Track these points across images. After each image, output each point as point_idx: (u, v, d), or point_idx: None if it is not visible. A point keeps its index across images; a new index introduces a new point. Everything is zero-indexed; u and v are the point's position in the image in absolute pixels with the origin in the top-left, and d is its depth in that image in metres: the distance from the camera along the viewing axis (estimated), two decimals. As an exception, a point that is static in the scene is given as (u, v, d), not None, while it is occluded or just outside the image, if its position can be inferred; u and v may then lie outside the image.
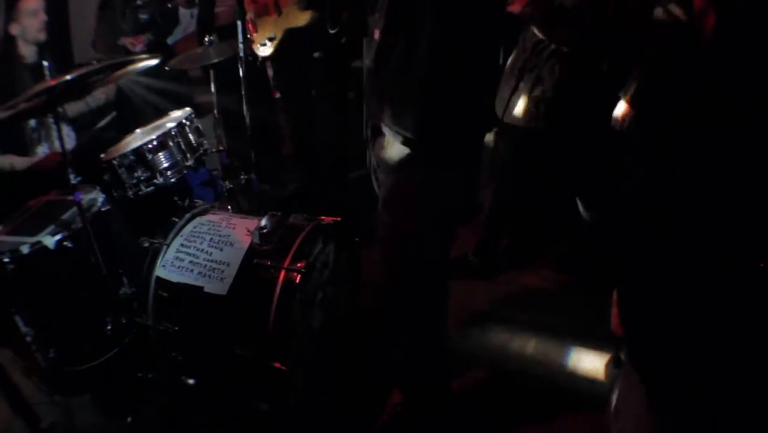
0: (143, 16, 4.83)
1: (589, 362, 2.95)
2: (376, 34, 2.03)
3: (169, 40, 5.19)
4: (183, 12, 5.21)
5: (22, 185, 3.39)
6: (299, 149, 4.58)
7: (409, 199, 2.09)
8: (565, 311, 3.23)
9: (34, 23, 3.64)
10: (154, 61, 2.75)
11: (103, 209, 2.68)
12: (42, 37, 3.72)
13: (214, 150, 3.20)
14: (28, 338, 2.64)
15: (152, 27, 4.86)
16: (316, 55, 3.96)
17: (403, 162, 2.05)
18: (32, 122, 3.49)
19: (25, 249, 2.46)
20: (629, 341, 2.67)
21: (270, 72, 4.48)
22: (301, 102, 4.28)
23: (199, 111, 3.49)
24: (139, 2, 4.79)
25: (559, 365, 2.96)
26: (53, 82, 2.30)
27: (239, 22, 3.18)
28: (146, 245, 2.71)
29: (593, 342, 3.03)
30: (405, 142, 1.99)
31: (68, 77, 2.32)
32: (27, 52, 3.70)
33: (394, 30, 1.94)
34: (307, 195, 4.38)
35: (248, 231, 2.59)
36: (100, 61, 3.22)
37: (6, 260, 2.45)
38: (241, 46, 3.18)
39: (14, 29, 3.64)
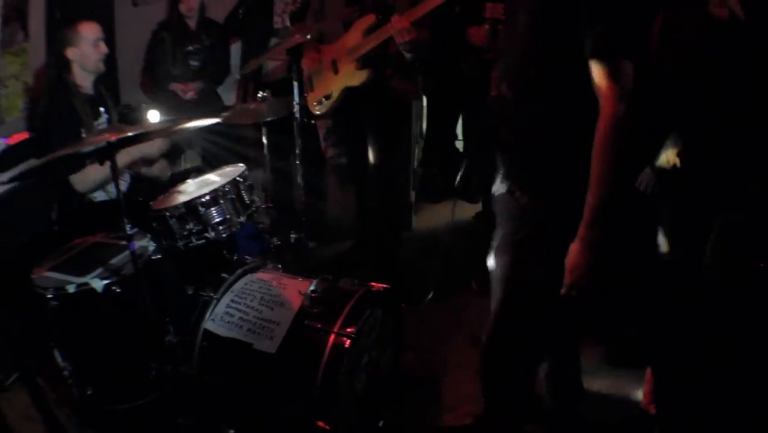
0: (194, 63, 4.97)
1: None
2: (503, 88, 2.18)
3: (219, 90, 5.26)
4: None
5: (74, 217, 3.47)
6: (349, 207, 4.67)
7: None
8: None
9: (94, 53, 3.63)
10: (215, 121, 2.86)
11: (153, 257, 2.78)
12: (102, 68, 3.70)
13: (263, 206, 3.30)
14: (66, 372, 2.72)
15: (203, 75, 4.97)
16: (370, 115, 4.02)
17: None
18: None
19: (71, 288, 2.55)
20: (663, 422, 2.71)
21: (323, 131, 4.60)
22: (353, 160, 4.37)
23: (247, 161, 3.59)
24: (190, 48, 4.94)
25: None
26: (113, 137, 2.36)
27: (295, 83, 3.31)
28: (193, 294, 2.81)
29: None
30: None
31: (131, 134, 2.41)
32: (84, 81, 3.66)
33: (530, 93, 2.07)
34: (356, 254, 4.48)
35: (299, 292, 2.68)
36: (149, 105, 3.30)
37: (50, 296, 2.55)
38: (297, 107, 3.29)
39: (72, 54, 3.59)
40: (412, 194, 4.93)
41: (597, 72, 1.87)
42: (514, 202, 2.19)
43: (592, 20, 1.85)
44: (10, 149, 4.21)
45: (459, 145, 5.95)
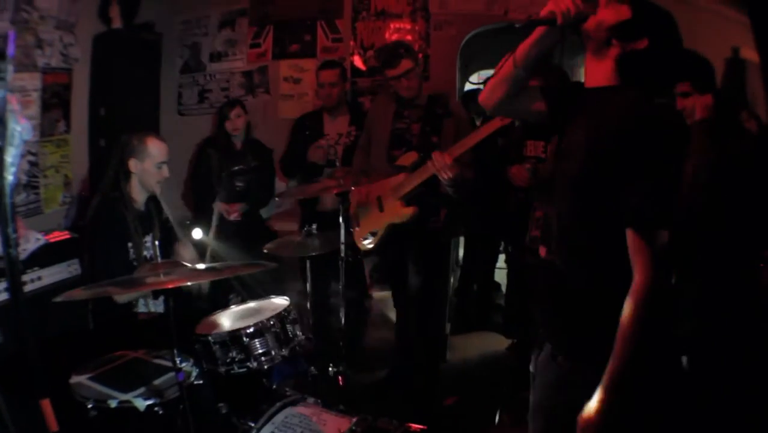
0: (239, 184, 5.05)
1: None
2: (546, 251, 2.28)
3: (263, 212, 5.37)
4: (279, 183, 5.43)
5: (115, 326, 3.50)
6: (388, 337, 4.82)
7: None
8: None
9: (156, 175, 3.60)
10: (263, 267, 2.88)
11: (195, 382, 2.88)
12: (158, 191, 3.67)
13: (304, 337, 3.37)
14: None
15: (248, 196, 5.06)
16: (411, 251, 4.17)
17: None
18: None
19: (113, 403, 2.62)
20: None
21: (368, 267, 4.73)
22: (397, 294, 4.50)
23: (287, 291, 3.70)
24: (236, 168, 4.98)
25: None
26: (171, 285, 2.43)
27: (342, 224, 3.42)
28: (226, 414, 2.94)
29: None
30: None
31: (189, 283, 2.58)
32: (138, 196, 3.63)
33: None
34: (392, 384, 4.53)
35: (339, 431, 2.79)
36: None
37: (90, 405, 2.62)
38: (342, 246, 3.41)
39: (134, 167, 3.56)
40: (448, 325, 5.03)
41: (632, 240, 1.93)
42: (557, 368, 2.21)
43: (629, 188, 1.92)
44: (49, 246, 4.33)
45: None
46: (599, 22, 2.04)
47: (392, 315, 4.95)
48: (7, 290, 3.70)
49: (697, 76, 3.15)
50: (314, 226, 3.67)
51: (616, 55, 2.05)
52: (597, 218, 2.06)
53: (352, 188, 3.87)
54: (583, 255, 2.13)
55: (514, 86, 2.26)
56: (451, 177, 3.63)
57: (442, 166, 3.62)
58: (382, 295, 4.84)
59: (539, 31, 2.15)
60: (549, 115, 2.34)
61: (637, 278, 1.91)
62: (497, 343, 5.48)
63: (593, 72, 2.15)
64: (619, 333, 1.92)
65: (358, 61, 5.63)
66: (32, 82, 4.96)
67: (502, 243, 5.81)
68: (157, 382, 2.82)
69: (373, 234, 4.10)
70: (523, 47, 2.20)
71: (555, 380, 2.24)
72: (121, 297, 3.40)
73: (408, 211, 3.95)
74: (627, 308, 1.92)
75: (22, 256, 3.78)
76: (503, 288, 6.47)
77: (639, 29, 2.02)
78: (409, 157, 4.03)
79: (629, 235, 1.94)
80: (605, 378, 1.95)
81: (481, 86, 2.49)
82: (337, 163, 4.60)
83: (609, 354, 1.95)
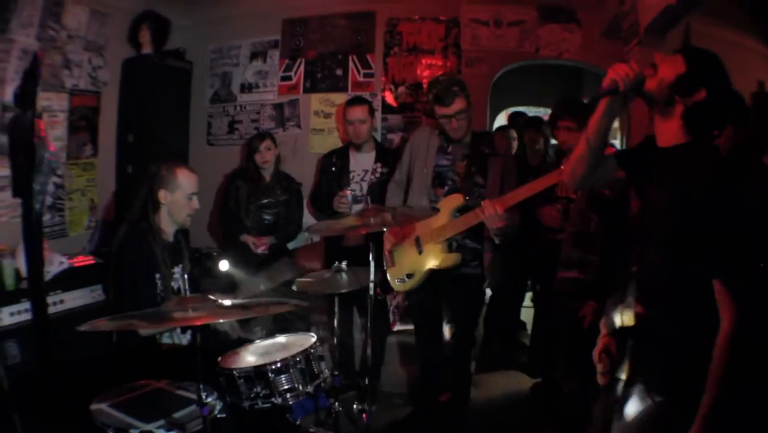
0: (267, 217, 5.07)
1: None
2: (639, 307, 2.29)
3: (290, 245, 5.35)
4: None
5: (138, 355, 3.44)
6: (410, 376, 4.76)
7: None
8: None
9: (186, 207, 3.59)
10: (292, 305, 2.83)
11: (218, 416, 2.85)
12: (187, 224, 3.70)
13: (329, 373, 3.33)
14: None
15: (275, 230, 5.06)
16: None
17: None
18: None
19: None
20: None
21: (392, 304, 4.69)
22: (423, 336, 4.40)
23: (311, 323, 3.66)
24: (264, 201, 5.05)
25: None
26: (199, 322, 2.41)
27: (372, 262, 3.32)
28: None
29: None
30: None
31: (219, 322, 2.51)
32: (167, 228, 3.60)
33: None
34: (418, 424, 4.48)
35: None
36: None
37: (110, 432, 2.59)
38: (371, 285, 3.32)
39: (164, 198, 3.52)
40: (473, 364, 4.99)
41: (719, 290, 2.02)
42: (661, 414, 2.21)
43: (717, 240, 2.02)
44: (73, 270, 4.34)
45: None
46: (660, 80, 2.17)
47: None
48: (29, 310, 3.78)
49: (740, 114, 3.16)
50: (344, 262, 3.61)
51: (681, 112, 2.16)
52: (686, 271, 2.13)
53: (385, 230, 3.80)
54: (672, 305, 2.19)
55: (593, 160, 2.38)
56: (502, 227, 3.58)
57: (492, 216, 3.55)
58: (403, 332, 4.79)
59: (604, 103, 2.28)
60: (629, 180, 2.46)
61: (725, 324, 2.01)
62: (522, 382, 5.45)
63: (663, 132, 2.26)
64: (710, 378, 2.00)
65: (389, 97, 5.64)
66: (59, 102, 5.05)
67: (529, 282, 5.75)
68: (179, 414, 2.77)
69: (410, 276, 3.99)
70: (593, 123, 2.32)
71: (647, 419, 2.25)
72: (146, 331, 3.36)
73: (451, 258, 3.87)
74: (716, 353, 2.00)
75: (45, 278, 3.82)
76: (528, 327, 6.44)
77: (696, 80, 2.13)
78: (452, 200, 3.92)
79: (716, 285, 2.03)
80: (698, 418, 2.02)
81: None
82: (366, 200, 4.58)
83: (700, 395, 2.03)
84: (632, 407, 2.31)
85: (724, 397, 1.98)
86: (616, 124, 5.36)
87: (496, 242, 3.78)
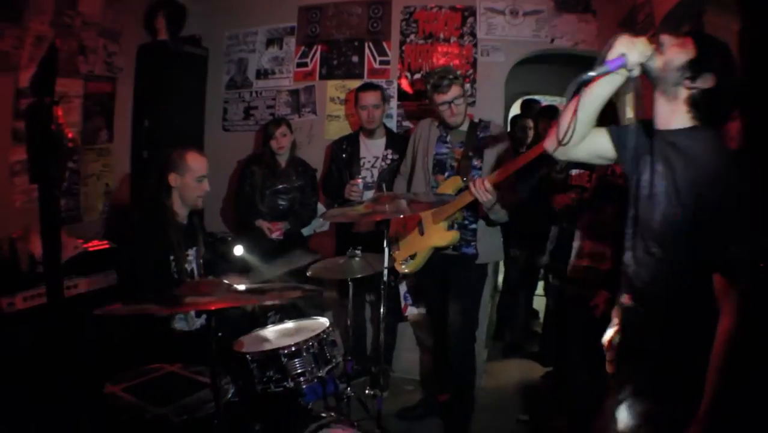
0: (282, 203, 5.09)
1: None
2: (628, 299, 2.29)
3: (305, 231, 5.35)
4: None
5: (153, 340, 3.44)
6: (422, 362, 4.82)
7: None
8: None
9: (196, 189, 3.63)
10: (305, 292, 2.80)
11: (231, 399, 2.90)
12: (199, 205, 3.73)
13: (341, 358, 3.36)
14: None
15: (290, 215, 5.08)
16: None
17: None
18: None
19: (147, 416, 2.63)
20: None
21: (403, 289, 4.72)
22: (435, 318, 4.48)
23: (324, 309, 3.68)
24: (279, 186, 5.07)
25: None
26: (213, 307, 2.34)
27: (386, 248, 3.34)
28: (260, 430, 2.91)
29: None
30: None
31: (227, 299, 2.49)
32: (180, 210, 3.66)
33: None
34: (430, 409, 4.52)
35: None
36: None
37: (124, 417, 2.64)
38: (385, 271, 3.34)
39: (174, 181, 3.59)
40: (485, 352, 5.00)
41: (720, 284, 2.00)
42: (662, 413, 2.20)
43: (723, 234, 2.00)
44: (88, 255, 4.36)
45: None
46: (667, 61, 2.10)
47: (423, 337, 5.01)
48: (44, 294, 3.78)
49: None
50: (359, 248, 3.64)
51: (687, 95, 2.10)
52: (681, 263, 2.12)
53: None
54: (671, 297, 2.16)
55: (581, 131, 2.27)
56: (490, 200, 3.69)
57: (479, 189, 3.67)
58: (414, 317, 4.82)
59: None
60: (618, 157, 2.38)
61: (725, 321, 1.99)
62: (533, 371, 5.48)
63: (664, 113, 2.19)
64: (709, 373, 1.99)
65: (405, 85, 5.62)
66: (74, 88, 5.06)
67: (542, 271, 5.77)
68: (189, 399, 2.79)
69: (412, 257, 4.13)
70: (588, 94, 2.22)
71: (640, 417, 2.25)
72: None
73: (451, 236, 4.00)
74: (716, 349, 1.98)
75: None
76: (541, 316, 6.48)
77: (706, 66, 2.07)
78: (451, 183, 4.07)
79: (717, 279, 2.01)
80: (698, 415, 2.00)
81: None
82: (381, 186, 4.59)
83: (697, 393, 2.01)
84: (625, 409, 2.32)
85: (724, 395, 1.97)
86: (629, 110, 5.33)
87: (491, 217, 3.93)
